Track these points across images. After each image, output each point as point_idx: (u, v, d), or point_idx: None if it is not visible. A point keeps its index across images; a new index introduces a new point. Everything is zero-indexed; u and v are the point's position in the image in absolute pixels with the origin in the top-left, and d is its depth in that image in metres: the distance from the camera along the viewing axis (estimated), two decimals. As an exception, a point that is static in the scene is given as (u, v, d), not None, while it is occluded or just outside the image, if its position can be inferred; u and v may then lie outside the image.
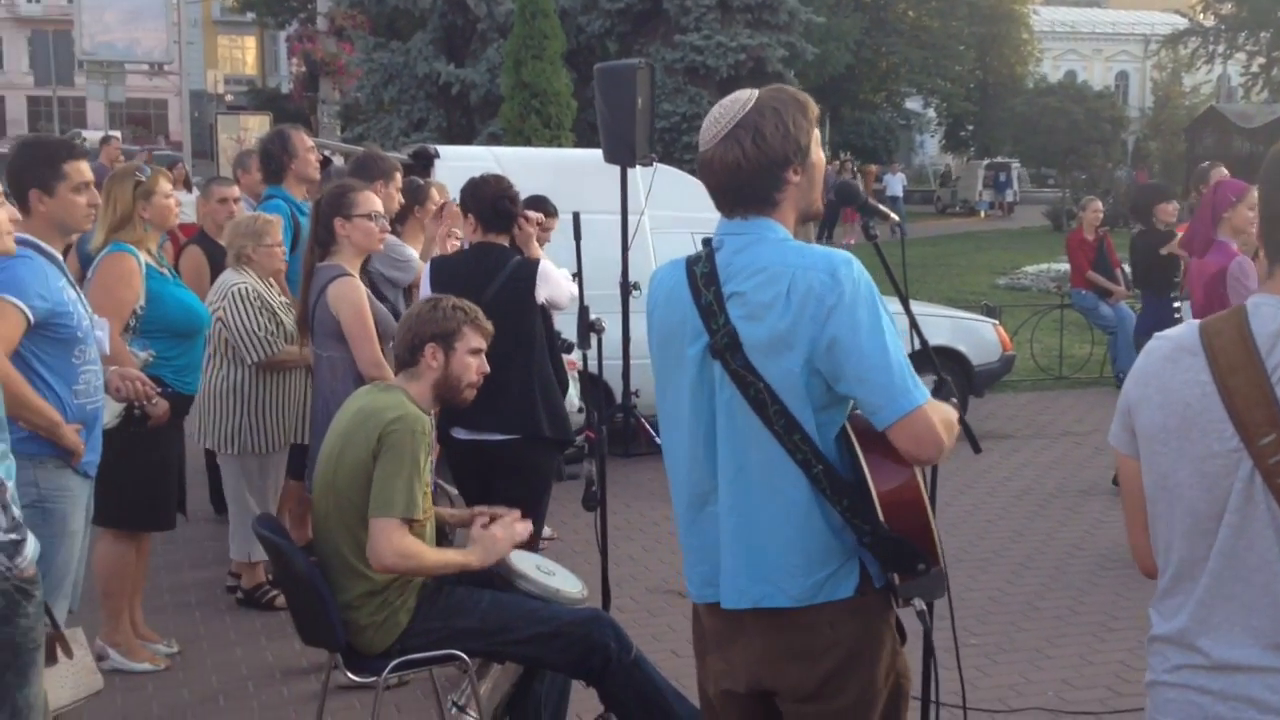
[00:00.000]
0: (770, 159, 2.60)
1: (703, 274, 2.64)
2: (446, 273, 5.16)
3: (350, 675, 3.97)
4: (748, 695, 2.74)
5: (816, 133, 2.68)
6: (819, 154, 2.69)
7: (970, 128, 47.95)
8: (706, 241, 2.71)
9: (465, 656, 3.90)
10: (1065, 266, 14.44)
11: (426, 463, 3.88)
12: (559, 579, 4.19)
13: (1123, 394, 2.30)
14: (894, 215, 3.11)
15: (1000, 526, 7.44)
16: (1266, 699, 2.09)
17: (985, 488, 8.28)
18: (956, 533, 7.15)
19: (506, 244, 5.19)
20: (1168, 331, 2.24)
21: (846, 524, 2.56)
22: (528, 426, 4.99)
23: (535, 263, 5.16)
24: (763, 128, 2.59)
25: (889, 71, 42.92)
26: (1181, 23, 45.31)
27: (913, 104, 47.94)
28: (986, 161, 42.18)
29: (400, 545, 3.76)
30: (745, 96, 2.65)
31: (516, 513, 4.21)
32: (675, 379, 2.71)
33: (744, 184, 2.62)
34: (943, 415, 2.56)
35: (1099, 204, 11.77)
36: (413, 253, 6.15)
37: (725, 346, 2.57)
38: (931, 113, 48.54)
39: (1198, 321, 2.20)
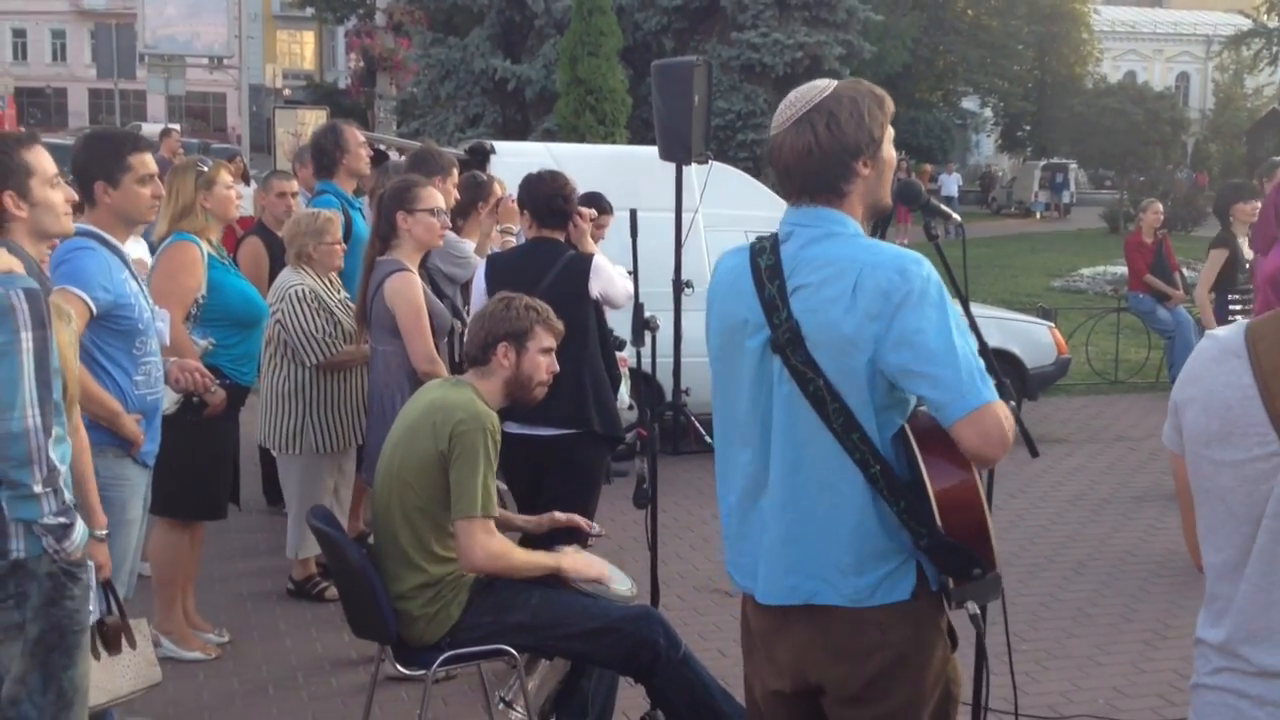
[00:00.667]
0: (842, 146, 2.55)
1: (767, 266, 2.60)
2: (501, 268, 5.19)
3: (399, 668, 3.98)
4: (794, 696, 2.71)
5: (890, 130, 2.64)
6: (891, 151, 2.64)
7: (1027, 128, 47.47)
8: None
9: (514, 651, 3.91)
10: (1122, 269, 14.28)
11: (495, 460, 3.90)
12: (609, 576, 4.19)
13: (1173, 393, 2.28)
14: (956, 215, 3.05)
15: (1053, 531, 7.38)
16: None
17: (1038, 492, 8.21)
18: (1009, 536, 7.09)
19: (561, 239, 5.22)
20: (1217, 332, 2.21)
21: (903, 525, 2.52)
22: (579, 421, 4.99)
23: (589, 258, 5.17)
24: (838, 114, 2.55)
25: (946, 70, 42.59)
26: (1245, 23, 44.66)
27: (969, 103, 47.53)
28: (1043, 162, 41.77)
29: (489, 546, 3.80)
30: (823, 85, 2.61)
31: (596, 527, 4.30)
32: (734, 371, 2.67)
33: (813, 170, 2.58)
34: (1008, 415, 2.53)
35: (1159, 206, 11.62)
36: (470, 248, 6.17)
37: (786, 341, 2.53)
38: (988, 112, 48.11)
39: (1245, 322, 2.17)
